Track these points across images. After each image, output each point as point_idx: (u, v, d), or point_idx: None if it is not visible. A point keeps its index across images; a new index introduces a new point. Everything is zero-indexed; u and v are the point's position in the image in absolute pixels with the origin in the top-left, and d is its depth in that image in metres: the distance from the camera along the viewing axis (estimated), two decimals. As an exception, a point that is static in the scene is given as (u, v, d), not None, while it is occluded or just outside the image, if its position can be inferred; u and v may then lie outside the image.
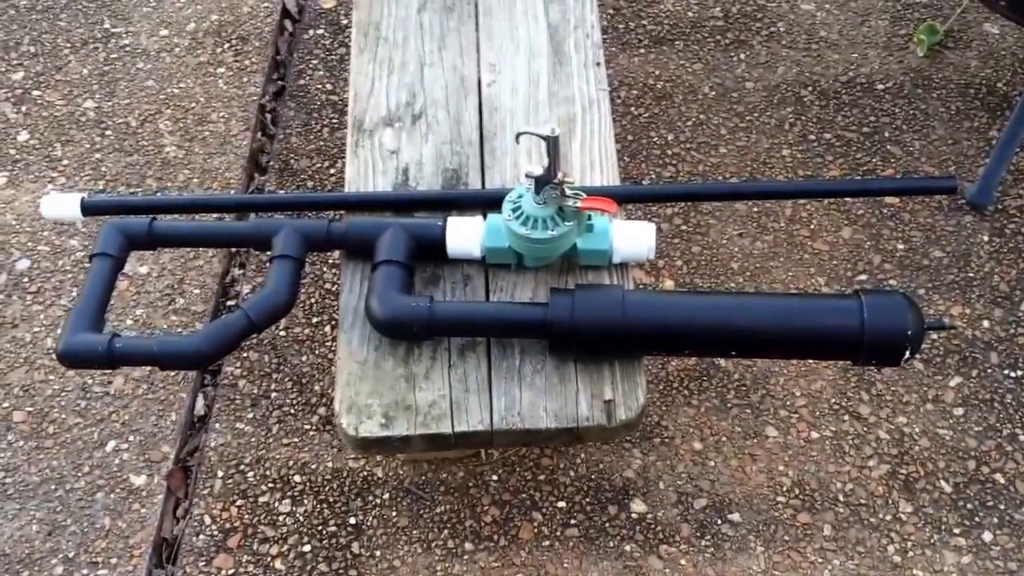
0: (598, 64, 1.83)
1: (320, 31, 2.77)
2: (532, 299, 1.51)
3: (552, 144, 1.43)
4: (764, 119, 2.54)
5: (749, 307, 1.48)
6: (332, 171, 2.48)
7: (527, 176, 1.46)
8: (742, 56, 2.67)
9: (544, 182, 1.46)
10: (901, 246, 2.31)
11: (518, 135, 1.51)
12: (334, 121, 2.58)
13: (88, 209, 1.62)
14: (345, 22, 2.78)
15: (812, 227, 2.34)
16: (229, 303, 2.28)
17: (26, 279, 2.29)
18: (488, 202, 1.61)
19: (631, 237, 1.53)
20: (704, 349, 1.52)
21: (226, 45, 2.72)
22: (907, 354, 1.38)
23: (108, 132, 2.55)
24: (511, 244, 1.50)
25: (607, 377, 1.44)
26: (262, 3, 2.81)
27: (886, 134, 2.50)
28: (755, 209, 2.37)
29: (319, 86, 2.65)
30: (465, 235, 1.53)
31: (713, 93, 2.59)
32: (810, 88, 2.59)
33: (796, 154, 2.47)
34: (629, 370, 1.45)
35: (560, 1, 1.92)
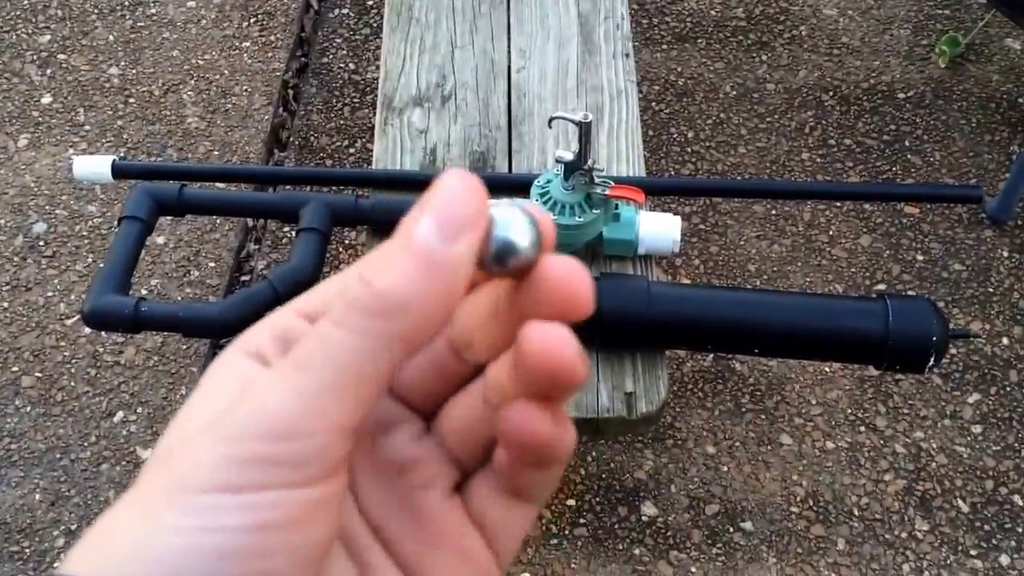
0: (627, 55, 1.65)
1: (345, 11, 2.57)
2: (555, 287, 1.33)
3: (584, 130, 1.26)
4: (784, 121, 2.35)
5: (774, 304, 1.31)
6: (352, 150, 2.29)
7: (557, 161, 1.29)
8: (764, 57, 2.47)
9: (574, 168, 1.29)
10: (920, 257, 2.12)
11: (551, 119, 1.34)
12: (355, 101, 2.38)
13: (119, 172, 1.45)
14: (370, 3, 2.57)
15: (831, 233, 2.16)
16: (243, 278, 2.09)
17: (42, 242, 2.10)
18: (515, 186, 1.43)
19: (657, 229, 1.36)
20: (727, 345, 1.35)
21: (252, 20, 2.52)
22: (932, 361, 1.22)
23: (131, 100, 2.34)
24: (537, 228, 1.33)
25: (628, 370, 1.27)
26: (291, -21, 2.61)
27: (906, 143, 2.31)
28: (773, 212, 2.18)
29: (342, 65, 2.45)
30: (490, 217, 1.35)
31: (734, 93, 2.40)
32: (831, 93, 2.40)
33: (816, 158, 2.28)
34: (651, 364, 1.28)
35: (594, -9, 1.73)
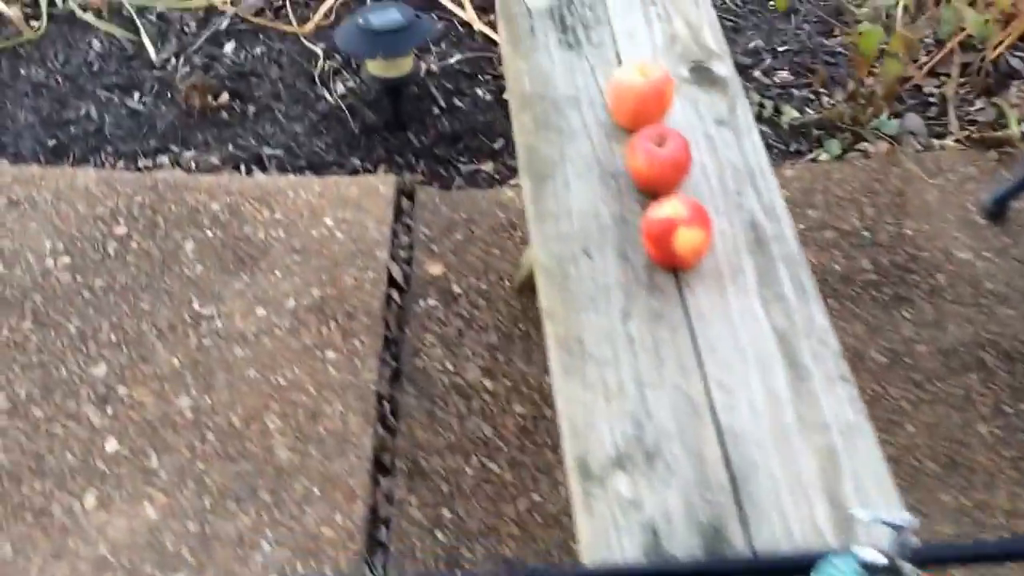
0: (844, 378, 1.37)
1: (431, 301, 2.29)
2: None
3: (904, 533, 0.99)
4: (948, 388, 2.07)
5: None
6: (468, 469, 1.97)
7: (866, 567, 1.00)
8: (906, 314, 2.20)
9: (885, 571, 1.00)
10: None
11: (858, 517, 1.05)
12: (462, 409, 2.08)
13: None
14: (457, 291, 2.31)
15: (1037, 520, 1.85)
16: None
17: (125, 634, 1.74)
18: (772, 571, 1.14)
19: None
20: None
21: (332, 323, 2.23)
22: None
23: (209, 435, 2.02)
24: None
25: None
26: (366, 272, 2.33)
27: (1088, 401, 2.03)
28: (965, 502, 1.87)
29: (438, 366, 2.16)
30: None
31: (884, 359, 2.12)
32: (991, 350, 2.13)
33: (995, 430, 1.99)
34: None
35: (780, 301, 1.48)
